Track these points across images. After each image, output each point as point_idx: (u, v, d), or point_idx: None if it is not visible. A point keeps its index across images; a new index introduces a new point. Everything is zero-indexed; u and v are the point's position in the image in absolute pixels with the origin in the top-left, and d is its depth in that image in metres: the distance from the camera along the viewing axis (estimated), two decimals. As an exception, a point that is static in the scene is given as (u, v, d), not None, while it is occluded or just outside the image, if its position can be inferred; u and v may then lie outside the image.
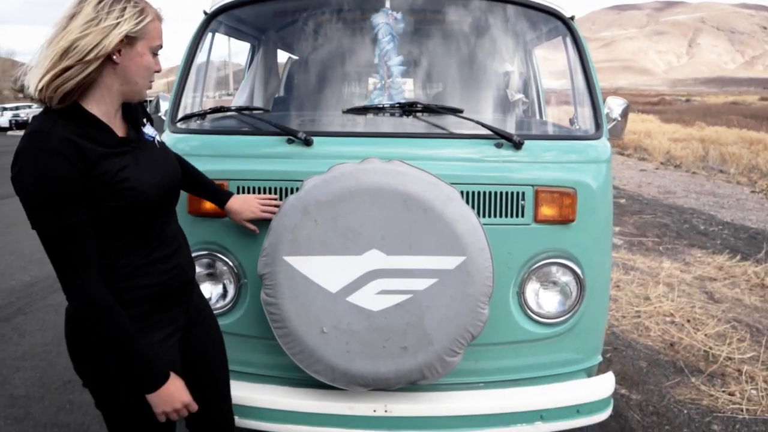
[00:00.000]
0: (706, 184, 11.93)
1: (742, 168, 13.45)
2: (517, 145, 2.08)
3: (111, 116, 1.47)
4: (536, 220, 2.07)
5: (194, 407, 1.58)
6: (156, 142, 1.61)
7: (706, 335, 4.22)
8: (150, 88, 1.54)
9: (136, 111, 1.59)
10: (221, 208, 2.00)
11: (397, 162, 1.90)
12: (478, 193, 2.05)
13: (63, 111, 1.37)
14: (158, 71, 1.51)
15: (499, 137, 2.10)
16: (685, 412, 3.22)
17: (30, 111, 31.39)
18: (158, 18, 1.48)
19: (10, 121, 32.84)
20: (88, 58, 1.35)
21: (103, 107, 1.44)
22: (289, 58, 4.01)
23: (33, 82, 1.35)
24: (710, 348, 4.00)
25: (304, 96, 3.08)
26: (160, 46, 1.50)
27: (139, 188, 1.44)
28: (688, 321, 4.49)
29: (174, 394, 1.52)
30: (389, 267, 1.87)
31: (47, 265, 1.57)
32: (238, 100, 3.43)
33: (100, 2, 1.37)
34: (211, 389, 1.86)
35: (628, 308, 4.77)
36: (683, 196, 10.35)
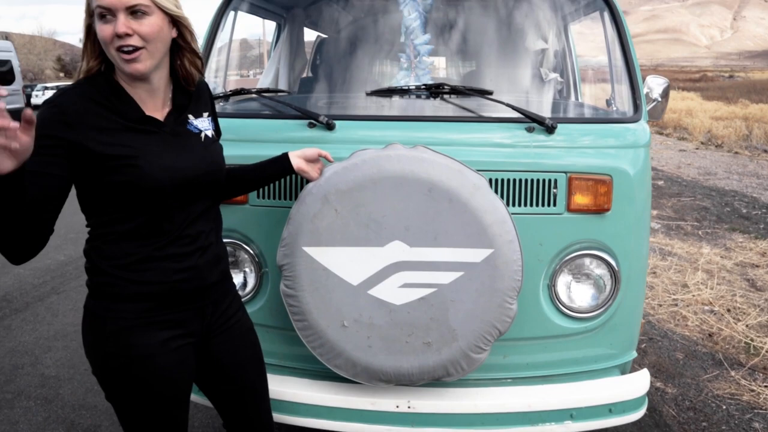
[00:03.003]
0: (750, 165, 11.47)
1: (789, 148, 12.93)
2: (550, 129, 1.96)
3: (142, 94, 1.44)
4: (569, 209, 1.96)
5: None
6: (202, 135, 1.55)
7: (747, 326, 4.04)
8: (128, 65, 1.36)
9: (191, 99, 1.55)
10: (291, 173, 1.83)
11: (422, 148, 1.80)
12: (508, 180, 1.94)
13: (92, 78, 1.41)
14: (108, 36, 1.33)
15: (531, 121, 1.98)
16: (724, 407, 3.08)
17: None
18: None
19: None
20: (82, 36, 1.42)
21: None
22: (318, 37, 3.90)
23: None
24: (752, 340, 3.82)
25: (330, 77, 2.98)
26: (102, 8, 1.32)
27: (144, 168, 1.38)
28: (729, 310, 4.30)
29: None
30: (413, 259, 1.79)
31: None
32: (264, 81, 3.34)
33: None
34: (247, 393, 1.76)
35: (664, 296, 4.60)
36: (724, 178, 9.97)
